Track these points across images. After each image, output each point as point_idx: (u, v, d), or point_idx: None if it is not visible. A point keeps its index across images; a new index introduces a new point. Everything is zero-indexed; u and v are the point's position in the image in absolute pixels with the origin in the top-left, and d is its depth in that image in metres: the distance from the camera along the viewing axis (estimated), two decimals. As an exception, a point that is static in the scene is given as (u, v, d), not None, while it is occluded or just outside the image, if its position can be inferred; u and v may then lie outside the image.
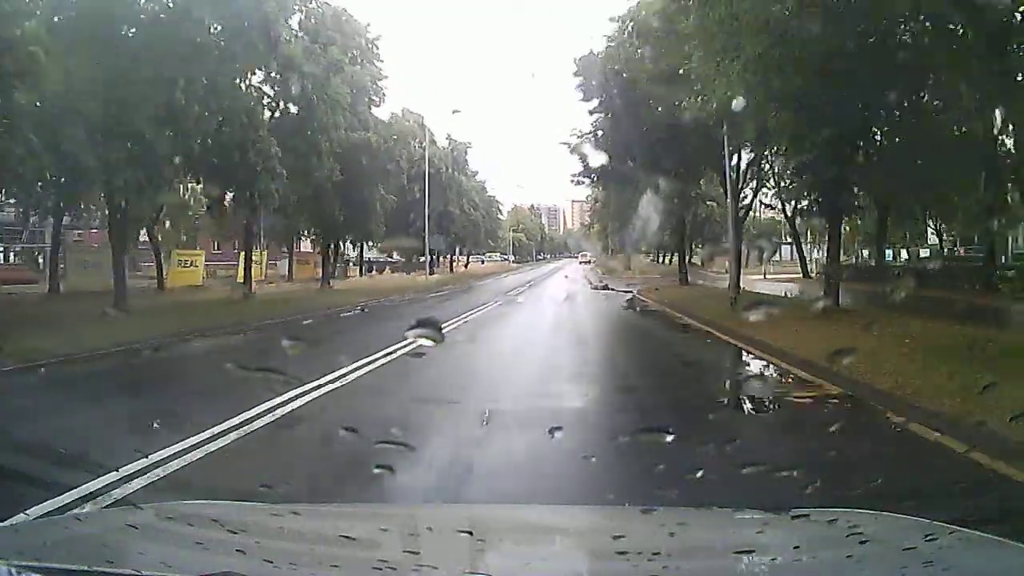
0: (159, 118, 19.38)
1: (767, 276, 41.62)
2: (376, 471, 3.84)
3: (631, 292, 31.34)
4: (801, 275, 38.52)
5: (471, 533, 2.20)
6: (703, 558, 2.13)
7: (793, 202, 39.27)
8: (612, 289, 34.11)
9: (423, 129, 45.36)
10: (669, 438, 4.53)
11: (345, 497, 4.37)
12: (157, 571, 1.75)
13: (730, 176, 20.47)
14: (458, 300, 27.57)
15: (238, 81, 22.18)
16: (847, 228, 64.10)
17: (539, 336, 14.72)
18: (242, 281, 29.92)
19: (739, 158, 24.86)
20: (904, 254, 52.31)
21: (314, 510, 2.92)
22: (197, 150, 21.10)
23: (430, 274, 44.87)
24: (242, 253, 45.63)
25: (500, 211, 66.94)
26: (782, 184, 37.47)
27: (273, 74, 27.98)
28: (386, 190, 35.68)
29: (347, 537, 2.14)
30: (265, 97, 28.64)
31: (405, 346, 11.49)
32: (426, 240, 42.08)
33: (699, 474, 3.60)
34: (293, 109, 29.28)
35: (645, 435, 5.49)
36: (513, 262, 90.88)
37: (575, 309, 22.36)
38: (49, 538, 2.12)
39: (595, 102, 25.63)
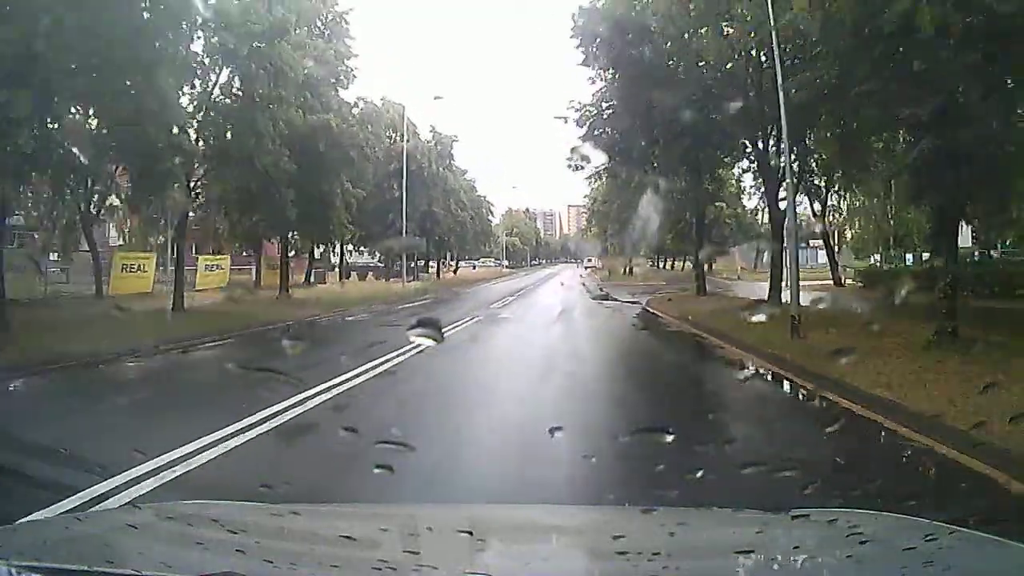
0: (11, 72, 14.06)
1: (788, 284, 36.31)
2: None
3: (639, 303, 25.96)
4: (832, 282, 33.06)
5: (471, 533, 2.13)
6: (703, 558, 2.06)
7: (823, 197, 34.05)
8: (615, 299, 28.68)
9: (405, 120, 39.89)
10: None
11: None
12: (157, 571, 1.70)
13: (787, 145, 14.97)
14: (429, 315, 22.11)
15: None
16: (861, 227, 58.72)
17: (512, 388, 9.16)
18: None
19: (778, 139, 19.55)
20: (921, 256, 46.89)
21: (314, 510, 2.77)
22: (68, 114, 15.64)
23: (409, 281, 39.34)
24: (201, 256, 40.80)
25: (491, 212, 61.44)
26: (811, 177, 32.31)
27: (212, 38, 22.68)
28: (353, 182, 30.19)
29: (347, 537, 2.07)
30: (198, 67, 23.29)
31: (285, 410, 7.12)
32: (403, 237, 36.63)
33: None
34: (230, 80, 23.90)
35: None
36: (506, 267, 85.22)
37: (572, 330, 16.97)
38: (49, 538, 2.06)
39: (598, 68, 19.85)
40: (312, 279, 47.95)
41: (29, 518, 3.85)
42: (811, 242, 71.80)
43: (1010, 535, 1.87)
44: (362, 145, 28.34)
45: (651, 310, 22.48)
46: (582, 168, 20.17)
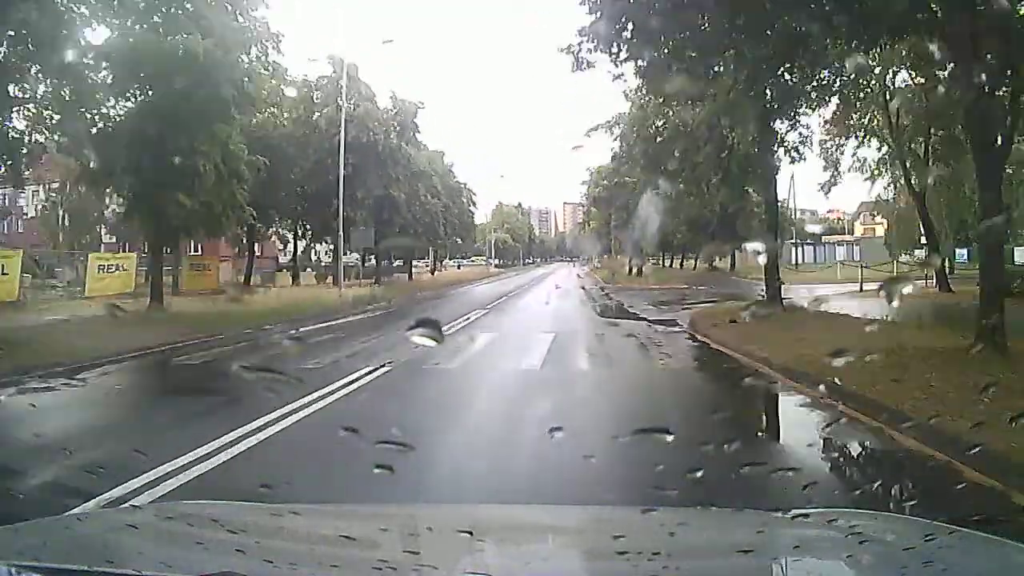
0: None
1: (864, 287, 26.31)
2: None
3: (676, 324, 16.00)
4: (937, 288, 22.92)
5: (471, 533, 2.05)
6: (703, 558, 2.00)
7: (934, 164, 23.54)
8: (635, 315, 18.59)
9: (344, 69, 29.66)
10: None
11: None
12: (157, 571, 1.66)
13: None
14: (318, 356, 11.75)
15: None
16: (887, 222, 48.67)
17: None
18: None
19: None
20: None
21: (314, 510, 2.68)
22: None
23: (346, 286, 29.12)
24: (93, 254, 30.88)
25: (473, 203, 50.85)
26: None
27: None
28: (251, 146, 20.11)
29: (347, 537, 2.02)
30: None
31: None
32: (340, 232, 26.59)
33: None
34: None
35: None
36: (495, 267, 74.76)
37: (579, 425, 6.40)
38: (49, 538, 1.95)
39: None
40: (255, 281, 38.24)
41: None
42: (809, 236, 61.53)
43: (1010, 535, 1.81)
44: (242, 80, 18.00)
45: (714, 344, 12.21)
46: (592, 67, 10.29)
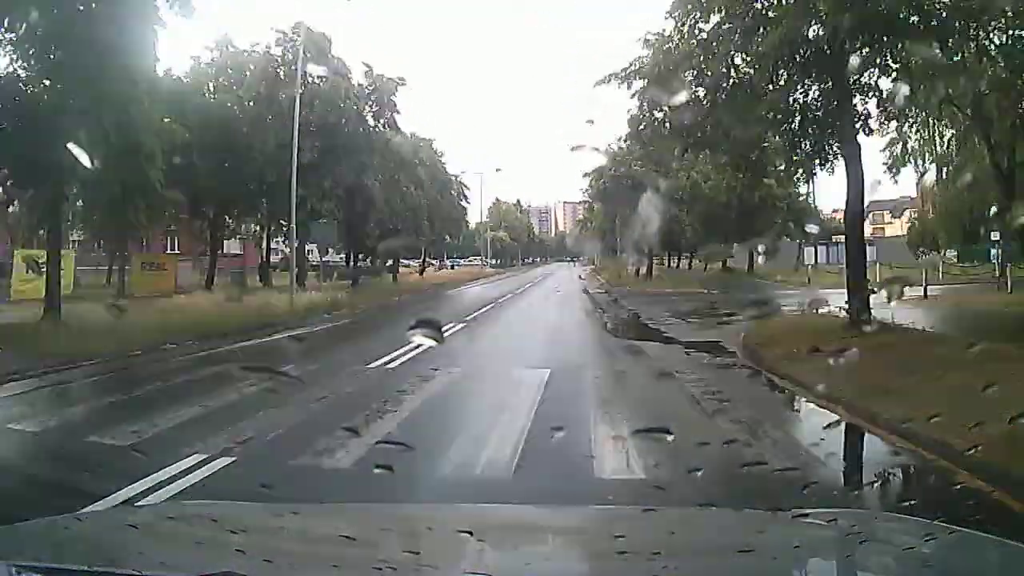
0: None
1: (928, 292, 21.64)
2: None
3: (724, 347, 11.26)
4: (1008, 289, 18.09)
5: (471, 533, 1.97)
6: (703, 558, 1.93)
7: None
8: (661, 333, 13.75)
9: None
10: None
11: None
12: (157, 571, 1.62)
13: None
14: (137, 422, 6.89)
15: None
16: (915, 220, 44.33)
17: None
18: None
19: None
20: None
21: (314, 510, 2.58)
22: None
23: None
24: (19, 251, 26.27)
25: (466, 197, 45.71)
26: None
27: None
28: (186, 115, 15.13)
29: (347, 537, 1.94)
30: None
31: None
32: (293, 225, 21.76)
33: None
34: None
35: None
36: (491, 267, 69.68)
37: None
38: (49, 538, 1.91)
39: None
40: (220, 282, 33.30)
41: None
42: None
43: (1010, 535, 1.75)
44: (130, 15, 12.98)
45: (810, 397, 7.30)
46: None
